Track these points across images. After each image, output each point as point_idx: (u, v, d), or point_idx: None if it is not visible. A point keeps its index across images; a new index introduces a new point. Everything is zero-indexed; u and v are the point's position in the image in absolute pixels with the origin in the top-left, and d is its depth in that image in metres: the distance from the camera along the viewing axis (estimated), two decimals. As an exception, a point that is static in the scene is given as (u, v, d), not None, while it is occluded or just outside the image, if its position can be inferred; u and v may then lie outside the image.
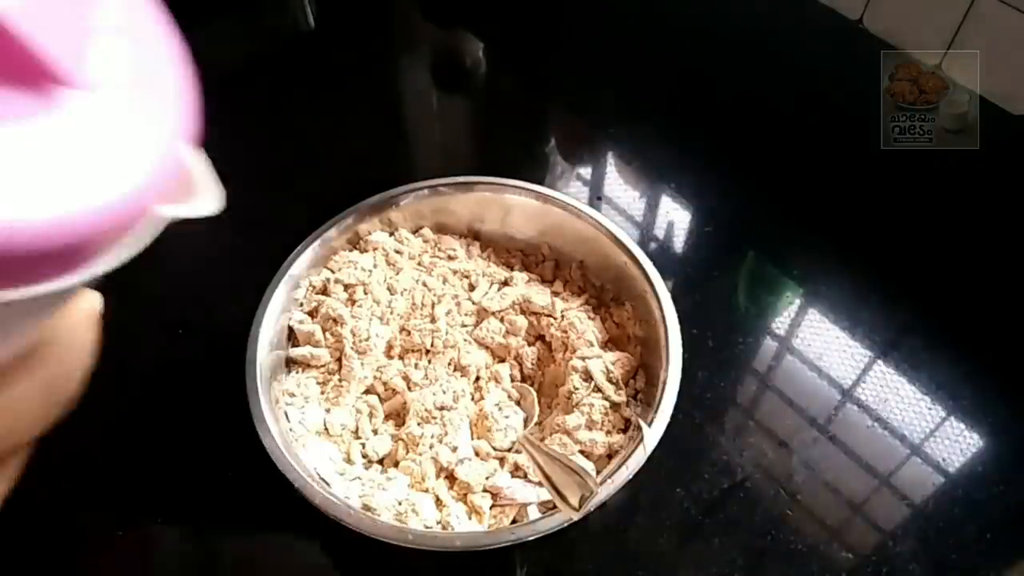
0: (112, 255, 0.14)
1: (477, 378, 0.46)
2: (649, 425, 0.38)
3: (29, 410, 0.16)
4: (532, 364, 0.47)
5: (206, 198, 0.17)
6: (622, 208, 0.61)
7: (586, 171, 0.65)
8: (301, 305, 0.47)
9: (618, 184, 0.63)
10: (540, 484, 0.41)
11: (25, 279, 0.13)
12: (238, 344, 0.41)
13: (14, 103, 0.11)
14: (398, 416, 0.45)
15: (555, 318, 0.48)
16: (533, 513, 0.40)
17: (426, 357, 0.46)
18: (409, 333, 0.46)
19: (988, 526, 0.43)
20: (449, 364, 0.46)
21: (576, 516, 0.33)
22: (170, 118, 0.15)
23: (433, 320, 0.47)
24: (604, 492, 0.36)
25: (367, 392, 0.45)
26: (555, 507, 0.38)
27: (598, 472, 0.39)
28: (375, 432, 0.44)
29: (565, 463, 0.35)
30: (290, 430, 0.41)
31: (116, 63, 0.14)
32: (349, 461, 0.42)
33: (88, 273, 0.13)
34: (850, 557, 0.41)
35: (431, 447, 0.41)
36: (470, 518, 0.40)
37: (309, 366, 0.45)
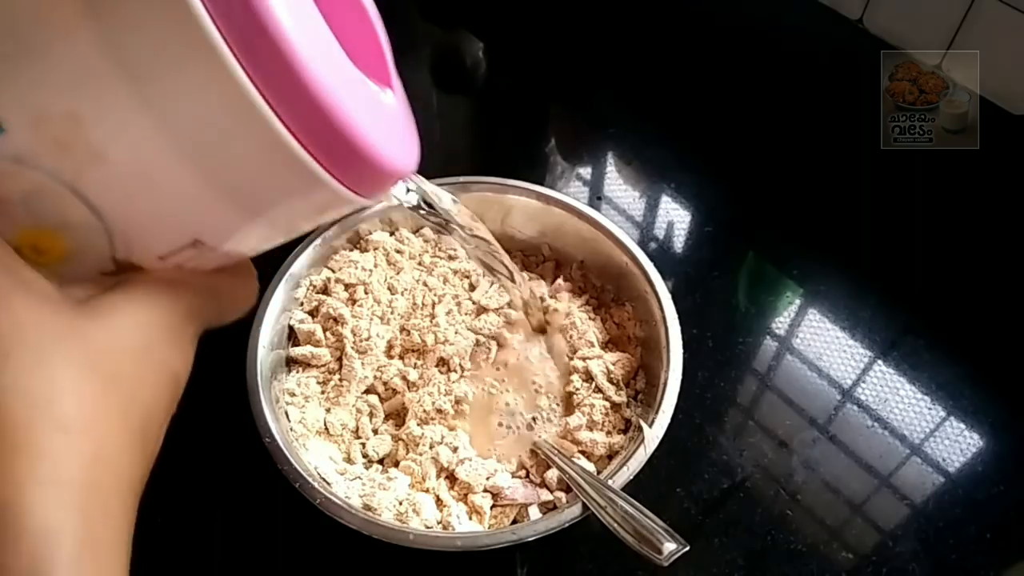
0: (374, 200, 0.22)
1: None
2: (650, 426, 0.38)
3: (239, 299, 0.23)
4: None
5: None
6: (622, 208, 0.61)
7: (586, 171, 0.66)
8: (301, 304, 0.47)
9: (618, 184, 0.63)
10: (541, 485, 0.41)
11: (374, 193, 0.21)
12: (238, 344, 0.41)
13: (375, 85, 0.21)
14: (398, 416, 0.45)
15: (555, 318, 0.48)
16: (534, 513, 0.40)
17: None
18: (409, 333, 0.46)
19: (988, 526, 0.43)
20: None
21: (664, 564, 0.32)
22: (414, 128, 0.24)
23: (433, 319, 0.47)
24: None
25: (367, 392, 0.45)
26: (555, 507, 0.39)
27: (599, 472, 0.39)
28: (375, 432, 0.44)
29: (639, 511, 0.34)
30: (290, 429, 0.41)
31: (397, 84, 0.24)
32: (349, 461, 0.42)
33: (364, 203, 0.21)
34: (850, 557, 0.42)
35: (431, 447, 0.41)
36: (471, 518, 0.40)
37: (309, 365, 0.45)
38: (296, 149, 0.17)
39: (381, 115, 0.21)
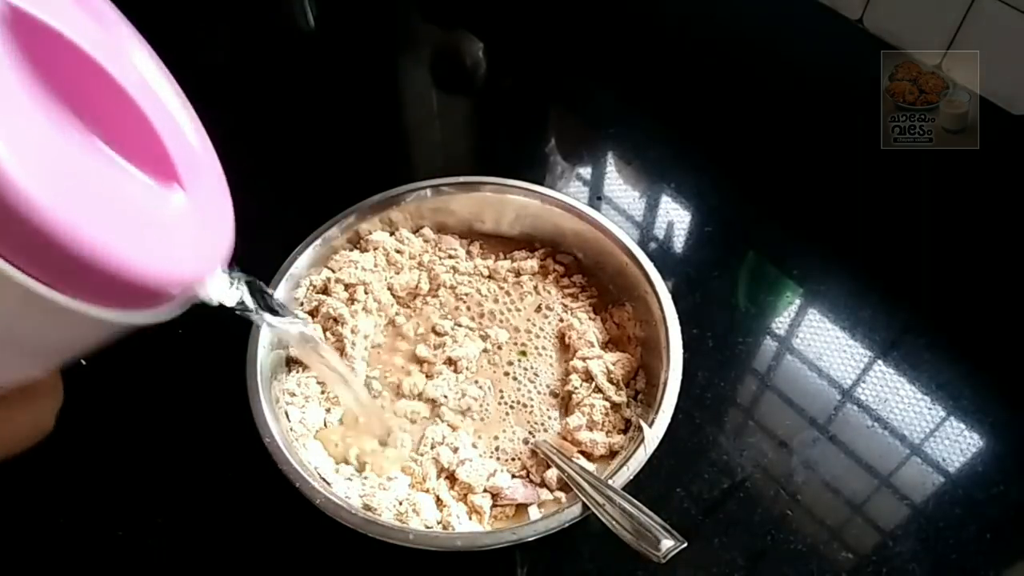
0: (168, 310, 0.20)
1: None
2: (650, 426, 0.38)
3: (20, 431, 0.20)
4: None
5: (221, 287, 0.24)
6: (622, 208, 0.61)
7: (586, 171, 0.66)
8: (302, 304, 0.47)
9: (618, 184, 0.63)
10: (541, 485, 0.41)
11: (137, 305, 0.18)
12: (238, 344, 0.41)
13: (152, 184, 0.19)
14: (398, 416, 0.45)
15: (555, 318, 0.48)
16: (534, 513, 0.40)
17: (426, 357, 0.46)
18: (409, 333, 0.46)
19: (988, 526, 0.43)
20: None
21: (661, 561, 0.32)
22: (225, 223, 0.23)
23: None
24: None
25: (367, 392, 0.45)
26: (556, 507, 0.39)
27: (599, 472, 0.39)
28: (375, 432, 0.44)
29: (637, 509, 0.34)
30: (291, 429, 0.41)
31: (197, 174, 0.21)
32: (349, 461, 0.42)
33: (155, 318, 0.19)
34: (850, 557, 0.42)
35: (432, 447, 0.41)
36: (471, 518, 0.40)
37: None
38: (20, 279, 0.15)
39: (153, 223, 0.19)
